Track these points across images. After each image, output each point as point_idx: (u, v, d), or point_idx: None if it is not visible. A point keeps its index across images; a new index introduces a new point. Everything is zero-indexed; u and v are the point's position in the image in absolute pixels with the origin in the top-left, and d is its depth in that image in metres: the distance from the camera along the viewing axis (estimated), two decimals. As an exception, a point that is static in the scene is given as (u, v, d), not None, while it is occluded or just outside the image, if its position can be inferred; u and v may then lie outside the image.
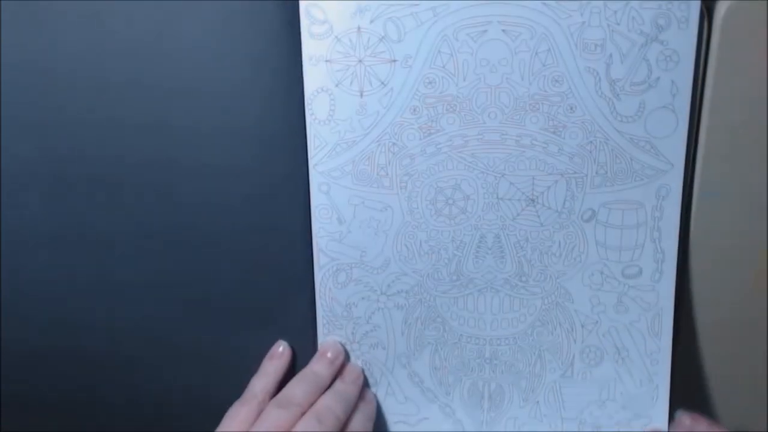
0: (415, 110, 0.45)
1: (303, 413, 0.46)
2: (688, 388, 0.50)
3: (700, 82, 0.45)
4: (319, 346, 0.49)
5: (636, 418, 0.49)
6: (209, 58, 0.45)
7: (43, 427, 0.51)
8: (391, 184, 0.47)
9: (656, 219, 0.46)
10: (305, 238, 0.48)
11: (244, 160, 0.47)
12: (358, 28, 0.44)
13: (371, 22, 0.44)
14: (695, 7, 0.43)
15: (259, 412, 0.46)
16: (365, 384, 0.50)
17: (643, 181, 0.46)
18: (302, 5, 0.44)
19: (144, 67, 0.45)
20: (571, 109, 0.45)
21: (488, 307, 0.48)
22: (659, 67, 0.44)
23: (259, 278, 0.48)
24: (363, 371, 0.50)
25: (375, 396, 0.50)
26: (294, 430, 0.45)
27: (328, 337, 0.49)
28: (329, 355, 0.49)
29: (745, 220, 0.47)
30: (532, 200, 0.47)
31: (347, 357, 0.50)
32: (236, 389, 0.46)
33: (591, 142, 0.45)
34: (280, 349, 0.49)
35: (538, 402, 0.50)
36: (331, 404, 0.46)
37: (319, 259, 0.48)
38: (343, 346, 0.49)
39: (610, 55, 0.44)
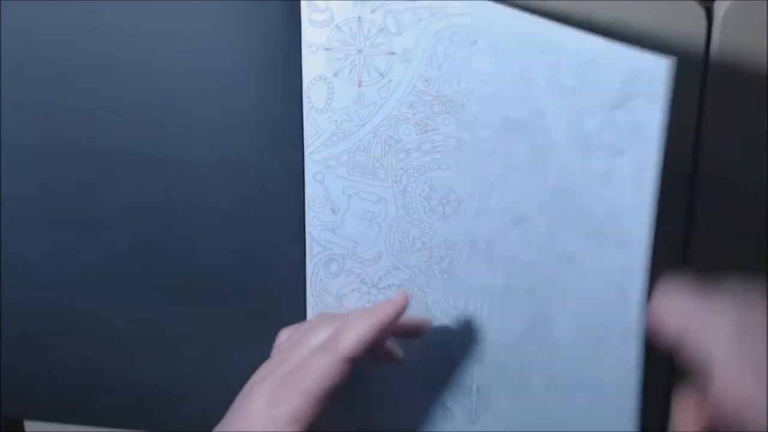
0: (412, 105, 0.45)
1: None
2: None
3: (699, 82, 0.45)
4: None
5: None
6: (208, 45, 0.46)
7: (37, 412, 0.51)
8: (386, 176, 0.46)
9: (624, 291, 0.44)
10: (299, 226, 0.47)
11: (240, 147, 0.47)
12: (359, 17, 0.44)
13: (372, 12, 0.44)
14: (660, 81, 0.39)
15: None
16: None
17: (612, 244, 0.43)
18: (304, -7, 0.45)
19: (141, 55, 0.46)
20: (551, 147, 0.43)
21: (478, 311, 0.47)
22: (626, 138, 0.41)
23: (251, 266, 0.48)
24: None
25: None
26: None
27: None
28: None
29: (745, 219, 0.46)
30: (522, 219, 0.45)
31: None
32: (226, 376, 0.45)
33: (568, 187, 0.43)
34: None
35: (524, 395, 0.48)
36: None
37: (312, 248, 0.47)
38: None
39: (582, 107, 0.42)
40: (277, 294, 0.49)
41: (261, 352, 0.44)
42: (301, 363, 0.43)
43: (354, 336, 0.43)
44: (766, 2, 0.43)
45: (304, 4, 0.44)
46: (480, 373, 0.48)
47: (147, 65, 0.46)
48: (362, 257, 0.47)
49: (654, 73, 0.39)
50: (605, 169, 0.42)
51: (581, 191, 0.43)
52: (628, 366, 0.45)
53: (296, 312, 0.48)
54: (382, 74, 0.45)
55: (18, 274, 0.50)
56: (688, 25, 0.44)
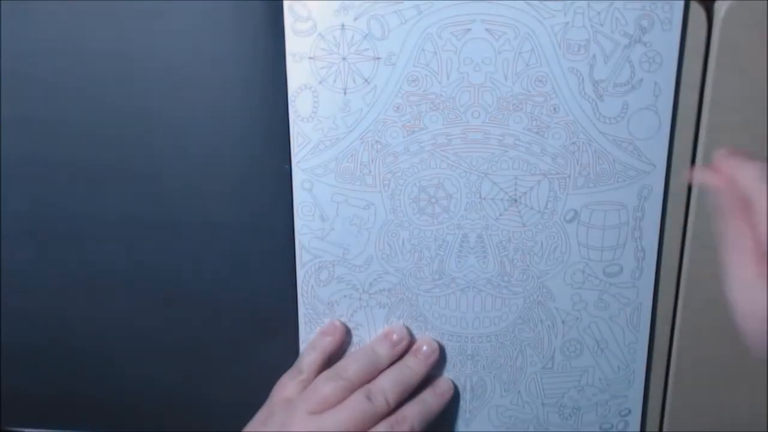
0: (398, 108, 0.45)
1: (353, 389, 0.46)
2: (688, 388, 0.50)
3: (700, 82, 0.44)
4: (385, 327, 0.49)
5: (613, 399, 0.50)
6: (193, 56, 0.45)
7: (25, 420, 0.53)
8: (374, 182, 0.46)
9: (638, 219, 0.46)
10: (288, 235, 0.48)
11: (227, 157, 0.47)
12: (342, 25, 0.43)
13: (355, 19, 0.43)
14: (678, 8, 0.42)
15: (306, 386, 0.46)
16: (440, 372, 0.49)
17: (625, 182, 0.45)
18: (286, 3, 0.43)
19: (128, 64, 0.46)
20: (555, 109, 0.44)
21: (470, 306, 0.48)
22: (642, 68, 0.43)
23: (241, 275, 0.49)
24: (440, 348, 0.49)
25: (451, 389, 0.49)
26: (341, 404, 0.45)
27: (310, 335, 0.49)
28: (394, 337, 0.48)
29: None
30: (515, 200, 0.46)
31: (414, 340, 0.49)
32: (216, 384, 0.47)
33: (574, 142, 0.45)
34: (337, 324, 0.49)
35: (519, 391, 0.50)
36: (386, 386, 0.46)
37: (302, 257, 0.48)
38: (409, 330, 0.49)
39: (594, 56, 0.43)
40: (269, 303, 0.50)
41: (253, 362, 0.45)
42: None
43: None
44: (766, 2, 0.41)
45: (286, 14, 0.43)
46: (473, 371, 0.50)
47: (134, 80, 0.46)
48: (352, 263, 0.48)
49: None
50: (619, 110, 0.44)
51: (590, 142, 0.45)
52: (643, 302, 0.48)
53: (288, 321, 0.49)
54: (367, 80, 0.44)
55: (13, 286, 0.52)
56: (688, 25, 0.42)
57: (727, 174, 0.38)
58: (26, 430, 0.55)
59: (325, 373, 0.47)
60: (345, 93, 0.45)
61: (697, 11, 0.42)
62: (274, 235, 0.48)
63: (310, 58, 0.44)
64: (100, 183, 0.48)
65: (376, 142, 0.46)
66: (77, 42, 0.46)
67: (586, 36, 0.42)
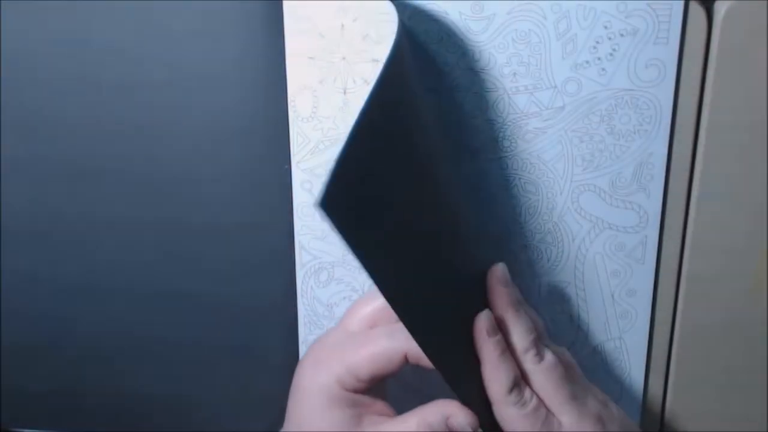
0: (397, 109, 0.45)
1: None
2: (688, 388, 0.50)
3: (700, 82, 0.44)
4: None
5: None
6: (193, 56, 0.46)
7: (25, 420, 0.53)
8: (374, 182, 0.46)
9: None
10: (288, 235, 0.48)
11: (226, 157, 0.47)
12: (342, 25, 0.43)
13: (354, 20, 0.43)
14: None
15: None
16: None
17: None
18: (286, 3, 0.43)
19: (128, 64, 0.46)
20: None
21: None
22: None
23: (241, 276, 0.49)
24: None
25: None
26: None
27: (309, 336, 0.49)
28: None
29: (745, 220, 0.46)
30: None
31: None
32: (216, 384, 0.47)
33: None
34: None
35: None
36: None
37: (302, 257, 0.48)
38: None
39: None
40: (268, 304, 0.50)
41: (252, 363, 0.45)
42: (355, 337, 0.42)
43: None
44: (766, 2, 0.42)
45: (286, 14, 0.44)
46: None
47: (134, 80, 0.46)
48: (352, 264, 0.48)
49: None
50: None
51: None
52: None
53: (287, 321, 0.49)
54: (366, 81, 0.44)
55: (13, 286, 0.52)
56: (688, 25, 0.43)
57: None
58: (26, 430, 0.55)
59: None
60: (345, 93, 0.45)
61: (697, 11, 0.42)
62: (274, 236, 0.48)
63: (310, 58, 0.44)
64: (99, 183, 0.48)
65: (376, 142, 0.46)
66: (78, 41, 0.46)
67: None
